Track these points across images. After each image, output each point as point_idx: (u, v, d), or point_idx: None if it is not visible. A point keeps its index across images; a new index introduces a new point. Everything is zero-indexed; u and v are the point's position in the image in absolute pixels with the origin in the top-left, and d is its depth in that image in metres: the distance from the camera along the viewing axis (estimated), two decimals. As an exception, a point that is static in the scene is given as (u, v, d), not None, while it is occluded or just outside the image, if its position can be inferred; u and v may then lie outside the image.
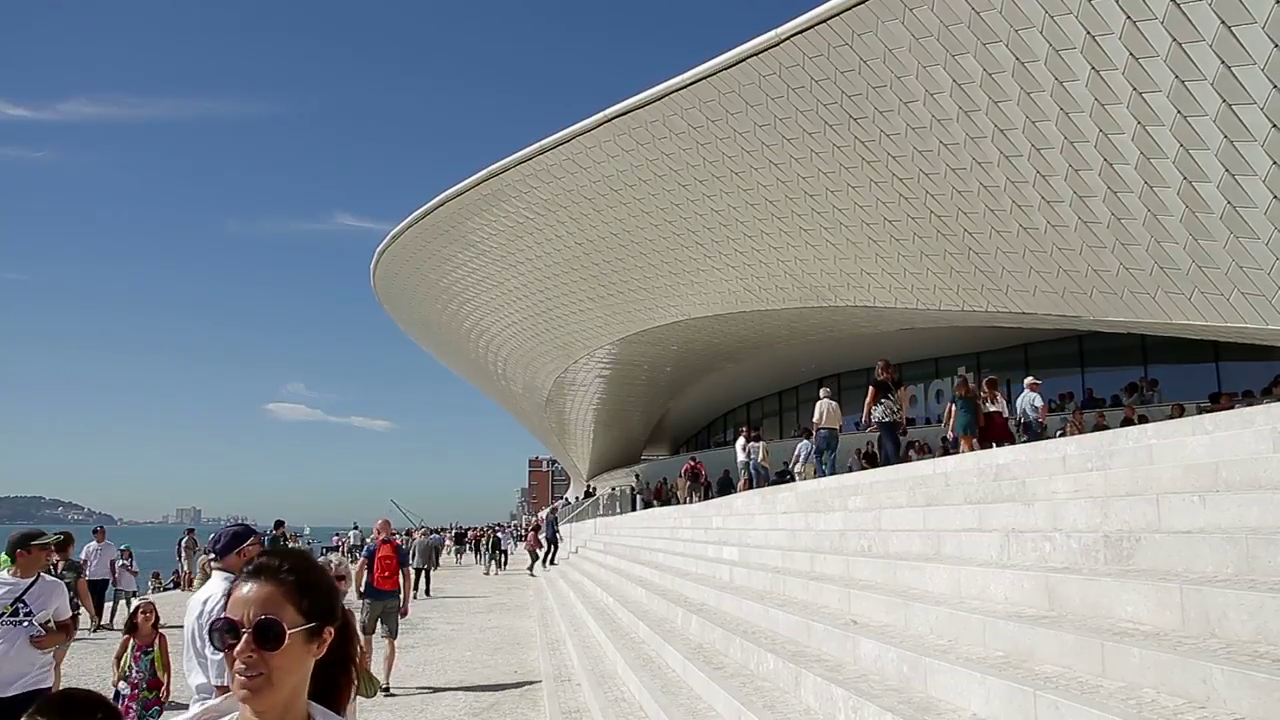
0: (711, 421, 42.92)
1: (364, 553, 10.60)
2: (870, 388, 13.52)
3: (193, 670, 3.65)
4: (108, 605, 15.60)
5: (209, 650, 3.52)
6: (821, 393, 16.29)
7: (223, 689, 3.55)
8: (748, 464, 18.40)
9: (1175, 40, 10.30)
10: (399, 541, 10.94)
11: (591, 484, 46.76)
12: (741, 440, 18.88)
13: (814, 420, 15.76)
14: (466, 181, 22.48)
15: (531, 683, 9.56)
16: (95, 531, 15.81)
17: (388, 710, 8.20)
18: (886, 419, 13.14)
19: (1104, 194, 12.37)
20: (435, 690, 9.22)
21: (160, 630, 6.93)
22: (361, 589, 10.02)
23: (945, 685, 4.05)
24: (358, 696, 4.53)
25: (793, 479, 16.00)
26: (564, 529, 35.28)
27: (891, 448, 13.24)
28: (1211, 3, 9.82)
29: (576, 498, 46.75)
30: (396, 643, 9.81)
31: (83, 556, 14.74)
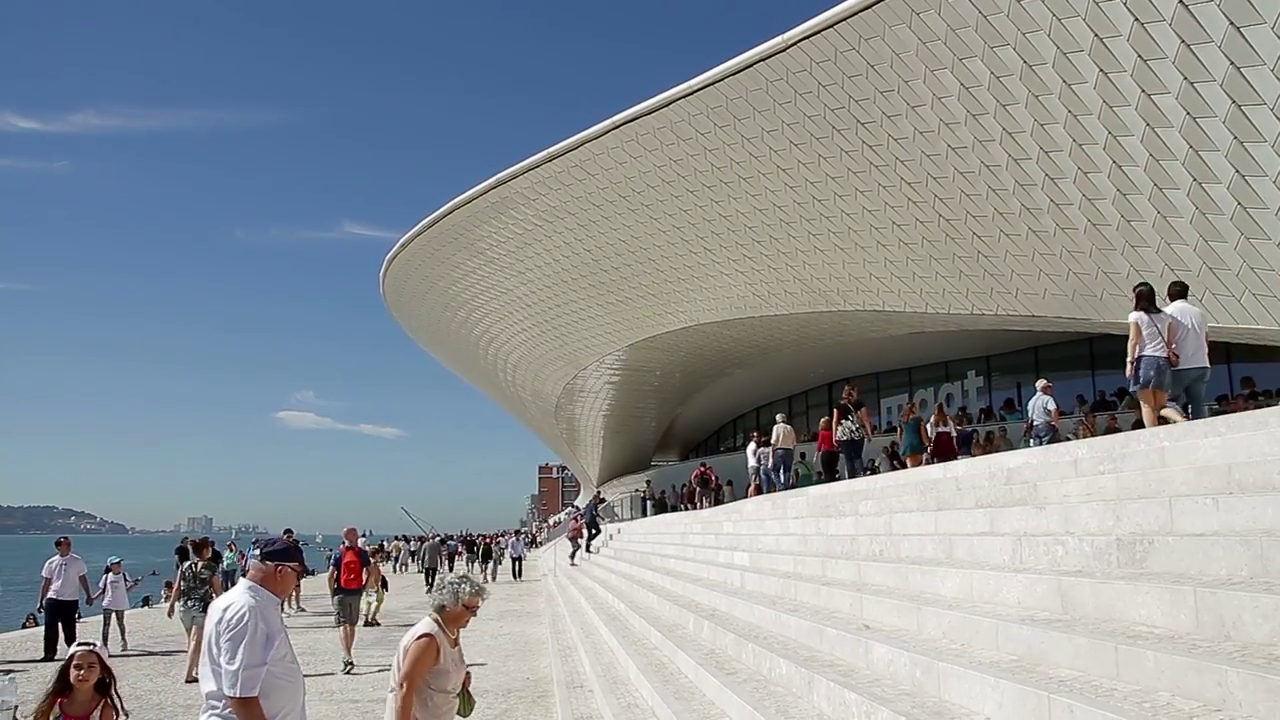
0: (721, 427, 42.91)
1: (331, 560, 12.98)
2: (834, 409, 15.27)
3: (206, 678, 3.63)
4: (87, 625, 13.50)
5: (224, 659, 3.52)
6: (778, 418, 18.37)
7: (238, 700, 3.47)
8: (758, 469, 18.40)
9: (1183, 42, 10.28)
10: (361, 546, 13.16)
11: (601, 490, 46.75)
12: (752, 445, 18.89)
13: (771, 442, 17.52)
14: (475, 189, 22.56)
15: (544, 689, 9.56)
16: (58, 543, 13.17)
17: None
18: (845, 438, 14.75)
19: (1113, 196, 12.34)
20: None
21: (112, 698, 4.41)
22: (332, 589, 12.47)
23: (958, 689, 4.04)
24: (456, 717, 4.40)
25: (772, 488, 17.58)
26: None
27: (852, 463, 14.82)
28: (1220, 4, 9.81)
29: (588, 504, 46.74)
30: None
31: (44, 574, 12.73)
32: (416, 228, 26.37)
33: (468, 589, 4.54)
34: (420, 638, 4.28)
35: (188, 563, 11.71)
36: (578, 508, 49.98)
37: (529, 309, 28.19)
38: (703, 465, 26.48)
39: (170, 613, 12.20)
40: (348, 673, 10.90)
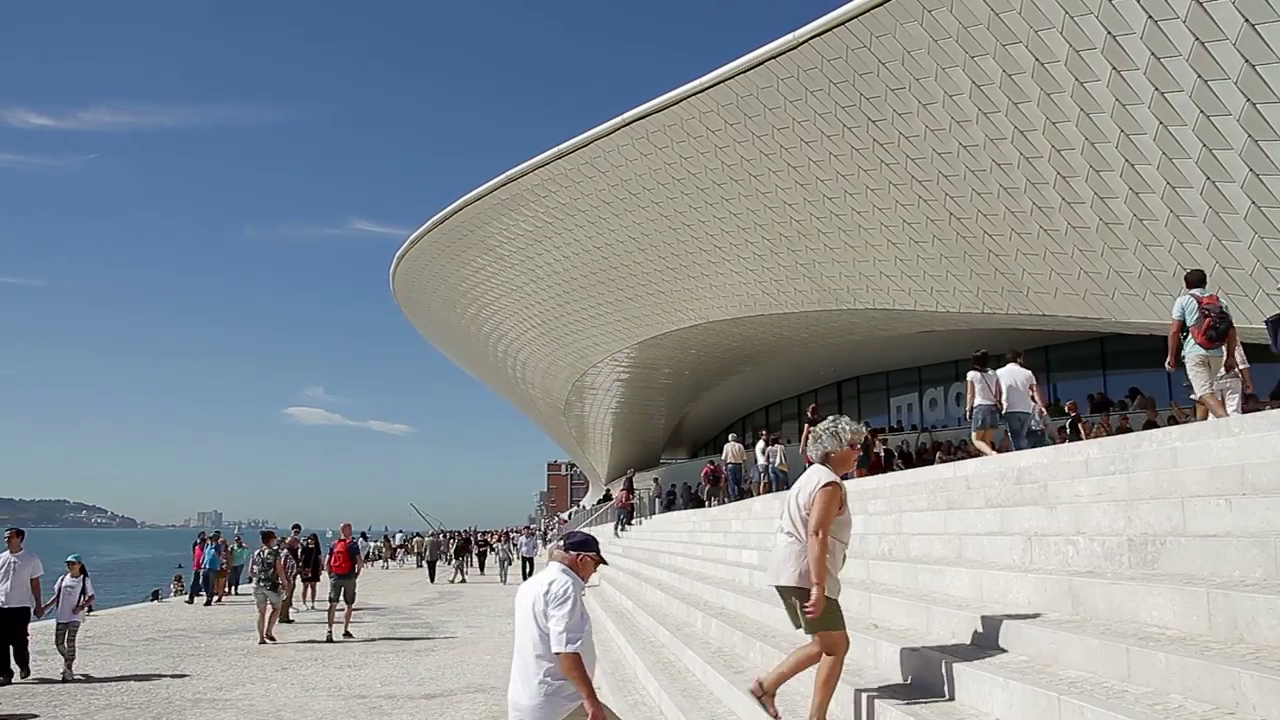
0: (730, 424, 42.85)
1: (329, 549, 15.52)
2: (806, 425, 16.71)
3: (531, 645, 4.13)
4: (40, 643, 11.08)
5: (553, 623, 4.07)
6: (730, 437, 21.08)
7: (567, 655, 4.01)
8: (767, 467, 18.36)
9: (1198, 39, 10.22)
10: (354, 541, 15.09)
11: (610, 488, 46.77)
12: (761, 443, 18.84)
13: (723, 459, 20.34)
14: (485, 186, 22.59)
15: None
16: (9, 536, 10.49)
17: (408, 714, 8.24)
18: None
19: (1126, 195, 12.27)
20: (454, 694, 9.25)
21: None
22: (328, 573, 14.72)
23: (969, 690, 4.02)
24: None
25: (744, 495, 19.75)
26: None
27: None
28: (1235, 1, 9.73)
29: (596, 502, 46.76)
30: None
31: None
32: (426, 224, 26.44)
33: (846, 426, 4.60)
34: (826, 484, 4.39)
35: (257, 550, 14.36)
36: (583, 506, 49.87)
37: (538, 306, 28.20)
38: (711, 463, 26.46)
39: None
40: (329, 640, 13.44)
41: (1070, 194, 12.94)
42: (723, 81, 15.58)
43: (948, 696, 4.16)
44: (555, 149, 19.90)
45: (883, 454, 19.17)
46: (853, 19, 13.10)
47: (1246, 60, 10.04)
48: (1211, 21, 10.04)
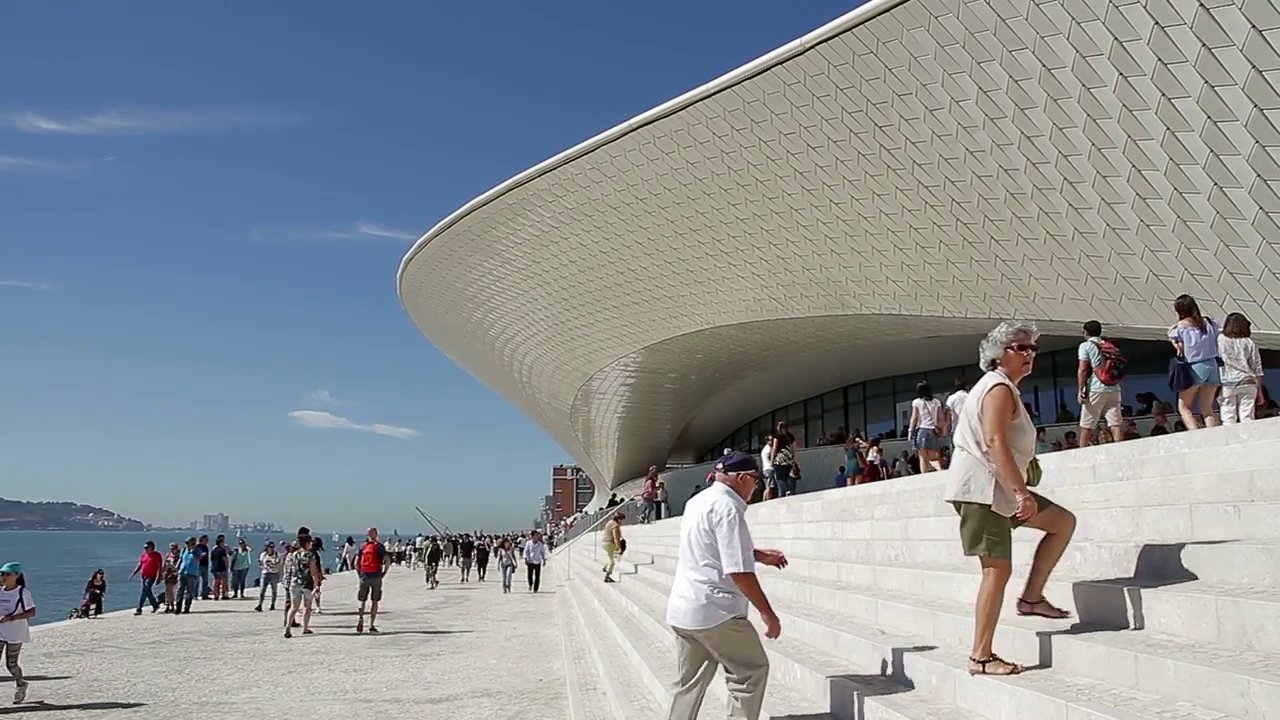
0: (736, 430, 42.86)
1: (356, 549, 17.21)
2: (774, 439, 17.88)
3: (688, 567, 4.71)
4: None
5: (723, 543, 4.52)
6: (726, 450, 20.88)
7: (742, 574, 4.46)
8: (772, 472, 18.35)
9: (1204, 45, 10.21)
10: (379, 543, 16.53)
11: (615, 492, 46.76)
12: (767, 449, 18.82)
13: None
14: (492, 191, 22.63)
15: (557, 691, 9.57)
16: None
17: (413, 719, 8.24)
18: (784, 464, 17.63)
19: (1132, 200, 12.26)
20: (460, 698, 9.25)
21: None
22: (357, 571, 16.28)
23: (975, 696, 4.01)
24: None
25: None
26: (588, 537, 35.20)
27: (785, 485, 17.49)
28: (1241, 7, 9.73)
29: (601, 508, 46.73)
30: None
31: None
32: (434, 229, 26.50)
33: (1005, 328, 4.36)
34: (994, 387, 4.19)
35: (292, 553, 16.00)
36: (587, 512, 49.79)
37: (545, 310, 28.24)
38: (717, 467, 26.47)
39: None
40: (359, 632, 14.84)
41: (1077, 199, 12.92)
42: (730, 87, 15.60)
43: (955, 703, 4.15)
44: (563, 154, 19.94)
45: (878, 461, 19.15)
46: (859, 25, 13.11)
47: (1253, 65, 10.03)
48: (1218, 27, 10.03)
